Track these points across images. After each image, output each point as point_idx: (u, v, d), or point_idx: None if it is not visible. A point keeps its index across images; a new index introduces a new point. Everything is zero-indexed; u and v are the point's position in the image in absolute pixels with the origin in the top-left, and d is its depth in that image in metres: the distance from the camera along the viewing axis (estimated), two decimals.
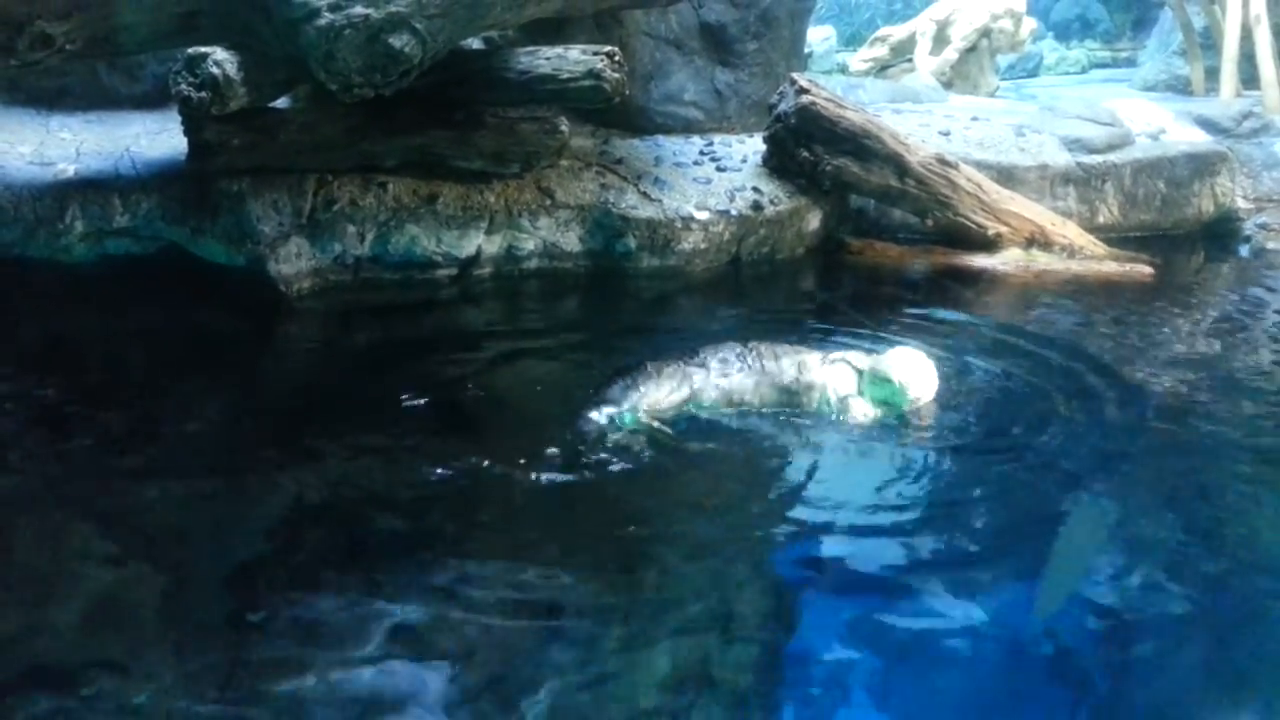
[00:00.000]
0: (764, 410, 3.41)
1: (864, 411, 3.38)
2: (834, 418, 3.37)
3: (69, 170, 4.93)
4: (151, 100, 6.10)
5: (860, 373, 3.41)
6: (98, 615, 2.42)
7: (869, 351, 3.55)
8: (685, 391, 3.42)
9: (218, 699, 2.12)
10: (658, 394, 3.38)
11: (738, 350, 3.52)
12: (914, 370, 3.39)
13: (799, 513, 2.91)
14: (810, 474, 3.11)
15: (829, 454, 3.24)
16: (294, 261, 4.72)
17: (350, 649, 2.27)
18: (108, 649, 2.30)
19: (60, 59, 4.12)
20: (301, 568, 2.64)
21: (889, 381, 3.35)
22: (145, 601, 2.48)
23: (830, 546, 2.74)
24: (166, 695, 2.13)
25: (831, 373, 3.43)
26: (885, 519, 2.85)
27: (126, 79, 6.25)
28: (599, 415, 3.31)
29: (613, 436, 3.22)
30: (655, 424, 3.32)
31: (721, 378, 3.45)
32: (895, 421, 3.37)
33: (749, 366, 3.46)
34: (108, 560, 2.66)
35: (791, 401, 3.42)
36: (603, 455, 3.22)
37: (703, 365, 3.47)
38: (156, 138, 5.42)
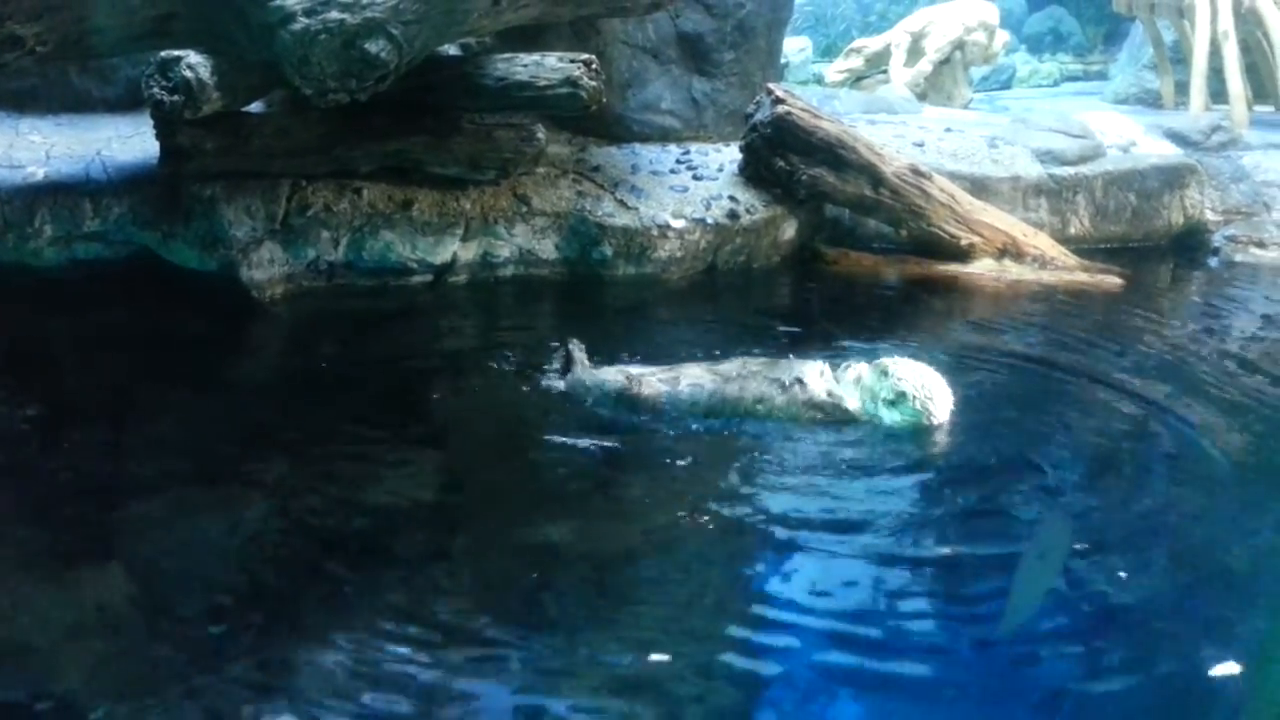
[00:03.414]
0: (769, 417, 3.43)
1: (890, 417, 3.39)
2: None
3: (39, 174, 4.88)
4: (124, 103, 6.04)
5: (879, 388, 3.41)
6: (66, 631, 2.39)
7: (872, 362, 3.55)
8: (672, 380, 3.49)
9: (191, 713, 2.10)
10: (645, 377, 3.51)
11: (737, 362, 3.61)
12: (934, 392, 3.40)
13: (779, 531, 2.89)
14: (796, 489, 3.10)
15: (816, 465, 3.23)
16: (267, 267, 4.68)
17: (315, 665, 2.24)
18: (76, 664, 2.27)
19: (31, 61, 4.08)
20: (269, 581, 2.62)
21: (906, 405, 3.36)
22: (113, 616, 2.44)
23: (812, 558, 2.72)
24: (139, 711, 2.10)
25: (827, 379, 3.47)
26: (864, 538, 2.82)
27: (98, 82, 6.19)
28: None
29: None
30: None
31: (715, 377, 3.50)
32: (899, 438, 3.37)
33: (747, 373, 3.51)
34: (75, 574, 2.62)
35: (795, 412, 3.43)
36: (576, 465, 3.22)
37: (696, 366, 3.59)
38: (128, 141, 5.37)
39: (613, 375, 3.55)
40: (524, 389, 3.70)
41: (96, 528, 2.82)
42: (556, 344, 3.82)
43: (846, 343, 4.42)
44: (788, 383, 3.44)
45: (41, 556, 2.70)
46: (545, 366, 3.77)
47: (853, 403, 3.40)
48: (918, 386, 3.36)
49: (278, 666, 2.24)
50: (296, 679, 2.20)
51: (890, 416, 3.37)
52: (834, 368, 3.52)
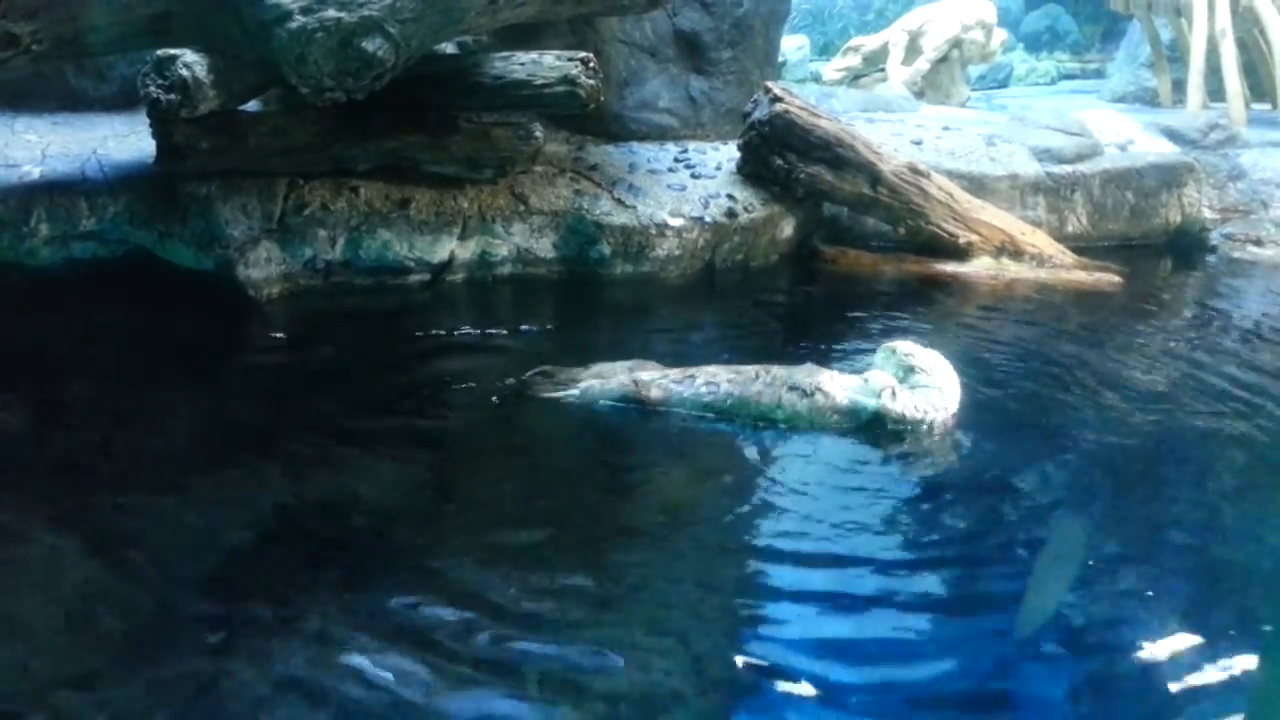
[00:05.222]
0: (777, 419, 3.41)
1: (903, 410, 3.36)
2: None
3: (34, 173, 4.86)
4: (120, 102, 6.04)
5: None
6: (62, 627, 2.38)
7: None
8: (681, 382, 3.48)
9: (186, 712, 2.09)
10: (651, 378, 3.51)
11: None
12: (945, 377, 3.40)
13: (774, 529, 2.88)
14: (794, 488, 3.08)
15: (816, 466, 3.22)
16: (264, 266, 4.67)
17: (316, 659, 2.24)
18: (73, 662, 2.26)
19: (26, 59, 4.06)
20: (269, 576, 2.60)
21: (915, 378, 3.35)
22: (110, 614, 2.42)
23: (806, 560, 2.71)
24: (133, 710, 2.09)
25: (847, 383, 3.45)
26: (863, 539, 2.81)
27: (94, 80, 6.19)
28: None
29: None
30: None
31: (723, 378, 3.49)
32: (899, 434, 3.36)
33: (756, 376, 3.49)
34: (73, 571, 2.61)
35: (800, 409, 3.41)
36: (575, 460, 3.21)
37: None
38: (125, 140, 5.35)
39: (616, 384, 3.53)
40: (520, 388, 3.68)
41: (91, 527, 2.80)
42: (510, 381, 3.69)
43: (846, 341, 4.41)
44: (809, 389, 3.40)
45: (36, 554, 2.68)
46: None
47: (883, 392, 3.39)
48: (928, 365, 3.36)
49: (276, 662, 2.23)
50: (295, 672, 2.19)
51: (895, 405, 3.33)
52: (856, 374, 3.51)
